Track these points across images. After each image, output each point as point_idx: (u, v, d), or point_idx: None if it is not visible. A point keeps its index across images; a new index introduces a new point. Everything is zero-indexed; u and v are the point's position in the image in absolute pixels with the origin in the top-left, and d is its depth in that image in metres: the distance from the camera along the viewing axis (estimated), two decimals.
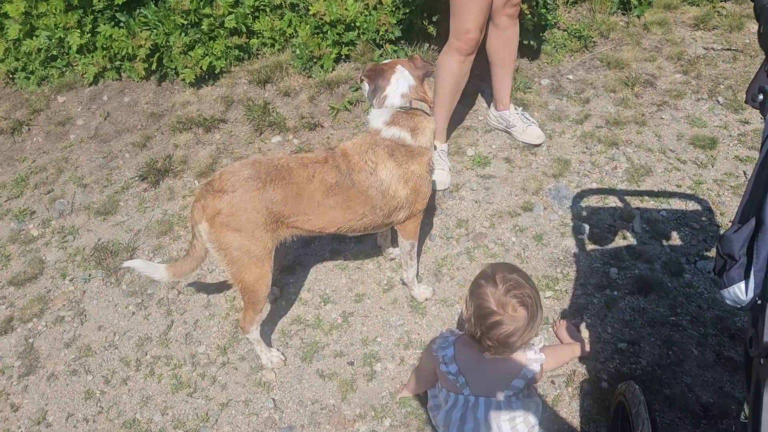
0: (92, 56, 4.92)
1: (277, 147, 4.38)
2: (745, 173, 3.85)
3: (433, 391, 2.57)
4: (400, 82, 2.83)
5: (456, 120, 4.30)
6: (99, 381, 3.12)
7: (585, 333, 3.07)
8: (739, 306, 1.52)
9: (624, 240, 3.52)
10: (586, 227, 3.61)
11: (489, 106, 4.40)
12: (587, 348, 2.93)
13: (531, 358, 2.29)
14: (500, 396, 2.30)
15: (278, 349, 3.13)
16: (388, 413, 2.84)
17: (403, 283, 3.33)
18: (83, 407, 3.01)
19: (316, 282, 3.49)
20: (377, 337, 3.17)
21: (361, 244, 3.65)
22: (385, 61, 2.94)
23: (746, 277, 1.45)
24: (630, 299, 3.21)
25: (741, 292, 1.46)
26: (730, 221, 3.56)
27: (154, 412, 2.96)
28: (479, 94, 4.67)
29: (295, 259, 3.62)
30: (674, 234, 3.53)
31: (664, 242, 3.49)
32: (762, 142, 1.49)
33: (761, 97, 1.54)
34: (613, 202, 3.76)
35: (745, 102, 1.81)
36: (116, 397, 3.04)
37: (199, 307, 3.42)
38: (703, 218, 3.61)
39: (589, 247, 3.51)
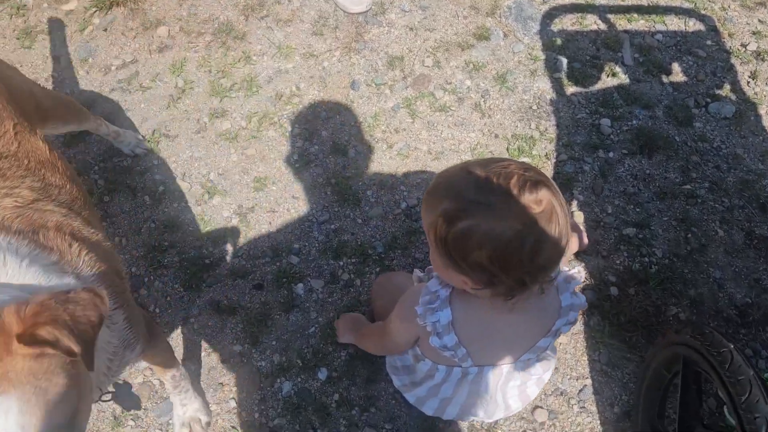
0: None
1: None
2: None
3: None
4: None
5: None
6: None
7: (579, 217, 2.26)
8: None
9: (613, 78, 2.62)
10: (563, 61, 2.65)
11: None
12: (585, 239, 2.10)
13: (567, 304, 1.42)
14: (517, 362, 1.47)
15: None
16: (322, 360, 1.98)
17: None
18: None
19: (193, 163, 2.38)
20: (293, 243, 2.20)
21: (252, 99, 2.51)
22: None
23: None
24: (631, 162, 2.39)
25: None
26: (741, 45, 2.73)
27: None
28: None
29: (158, 126, 2.44)
30: (675, 66, 2.66)
31: (664, 78, 2.63)
32: None
33: None
34: (593, 23, 2.79)
35: None
36: None
37: None
38: (709, 42, 2.74)
39: (570, 90, 2.59)
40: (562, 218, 1.16)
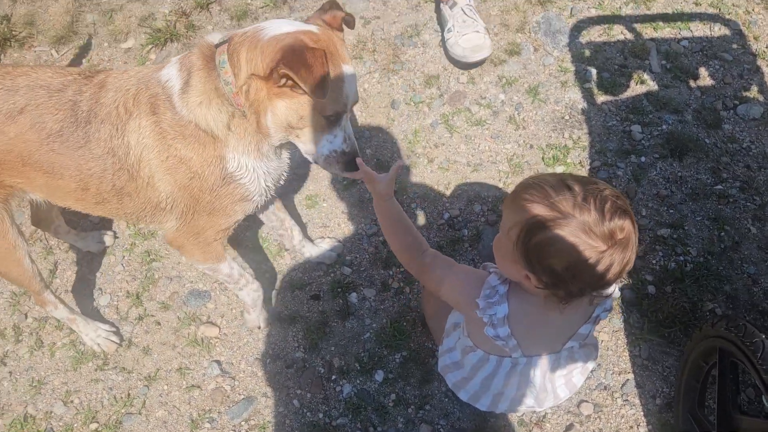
0: None
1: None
2: None
3: (448, 341, 1.85)
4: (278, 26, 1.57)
5: None
6: None
7: None
8: None
9: (642, 85, 2.73)
10: (593, 72, 2.78)
11: None
12: None
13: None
14: (562, 350, 1.61)
15: (124, 319, 2.28)
16: (378, 363, 2.13)
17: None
18: None
19: None
20: (345, 255, 2.37)
21: None
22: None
23: None
24: (662, 166, 2.50)
25: None
26: (767, 47, 2.81)
27: (52, 402, 2.13)
28: None
29: None
30: (702, 71, 2.76)
31: (692, 83, 2.73)
32: None
33: None
34: (620, 33, 2.90)
35: None
36: None
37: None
38: (735, 46, 2.83)
39: (600, 98, 2.71)
40: (634, 246, 1.31)
